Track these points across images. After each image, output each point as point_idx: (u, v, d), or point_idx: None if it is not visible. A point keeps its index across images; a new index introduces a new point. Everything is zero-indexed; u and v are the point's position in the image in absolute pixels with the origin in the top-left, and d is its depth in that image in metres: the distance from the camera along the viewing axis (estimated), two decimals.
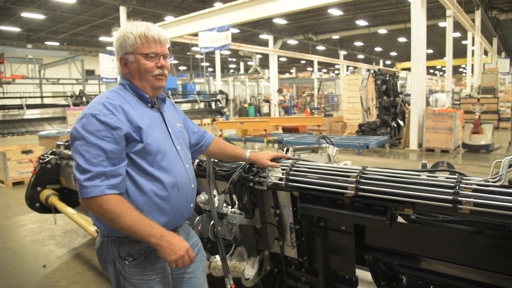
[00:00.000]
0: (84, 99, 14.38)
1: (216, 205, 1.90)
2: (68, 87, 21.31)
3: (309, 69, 33.35)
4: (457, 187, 1.36)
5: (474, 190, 1.35)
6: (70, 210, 3.52)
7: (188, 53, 27.99)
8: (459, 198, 1.34)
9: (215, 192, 1.94)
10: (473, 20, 16.85)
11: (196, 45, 15.19)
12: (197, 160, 2.24)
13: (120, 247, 1.43)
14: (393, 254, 1.87)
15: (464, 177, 1.42)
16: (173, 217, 1.48)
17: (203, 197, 1.95)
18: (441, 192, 1.38)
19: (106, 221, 1.32)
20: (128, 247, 1.43)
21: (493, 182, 1.37)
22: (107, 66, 17.35)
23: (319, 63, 30.04)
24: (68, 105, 14.03)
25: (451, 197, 1.35)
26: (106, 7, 18.91)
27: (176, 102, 17.97)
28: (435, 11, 17.69)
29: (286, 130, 12.23)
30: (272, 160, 1.88)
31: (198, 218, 1.97)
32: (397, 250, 1.86)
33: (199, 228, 1.91)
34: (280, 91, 23.49)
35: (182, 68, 37.25)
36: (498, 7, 19.82)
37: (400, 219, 1.76)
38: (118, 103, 1.39)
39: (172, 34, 15.20)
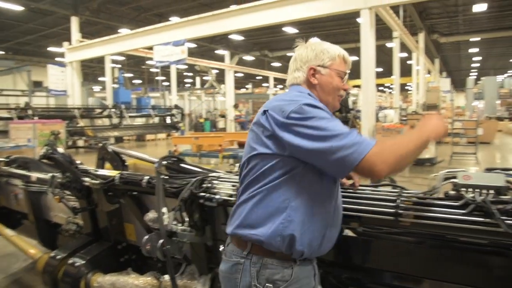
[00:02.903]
0: (30, 112, 13.60)
1: (166, 223, 1.85)
2: (12, 99, 20.09)
3: (265, 84, 33.89)
4: (398, 201, 1.43)
5: (414, 203, 1.43)
6: (8, 232, 3.28)
7: (143, 67, 27.50)
8: (399, 211, 1.40)
9: (165, 209, 1.89)
10: (417, 42, 17.97)
11: (152, 59, 14.97)
12: (146, 177, 2.19)
13: (262, 270, 1.31)
14: (343, 267, 1.91)
15: (404, 191, 1.50)
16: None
17: (151, 215, 1.90)
18: (384, 205, 1.44)
19: (396, 163, 1.21)
20: (271, 271, 1.31)
21: (430, 195, 1.45)
22: (56, 77, 16.59)
23: (275, 79, 30.61)
24: (11, 118, 13.20)
25: (393, 210, 1.41)
26: (56, 16, 18.19)
27: (130, 117, 17.53)
28: (383, 32, 18.65)
29: (242, 145, 12.26)
30: None
31: (146, 236, 1.92)
32: (347, 263, 1.90)
33: (147, 247, 1.85)
34: (236, 106, 23.59)
35: (136, 81, 36.48)
36: (439, 31, 21.32)
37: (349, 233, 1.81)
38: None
39: (127, 47, 14.89)
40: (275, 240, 1.28)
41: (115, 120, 16.70)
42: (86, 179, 2.55)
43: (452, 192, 1.40)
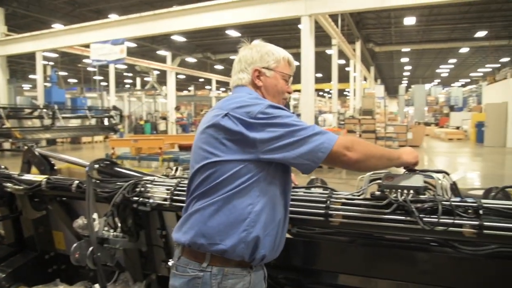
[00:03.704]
0: None
1: (96, 229, 1.77)
2: None
3: (208, 87, 33.68)
4: (328, 202, 1.49)
5: (343, 204, 1.49)
6: None
7: (80, 65, 26.08)
8: (329, 212, 1.46)
9: (95, 215, 1.81)
10: (354, 50, 18.91)
11: (88, 57, 14.25)
12: (76, 181, 2.08)
13: (223, 281, 1.24)
14: (279, 268, 1.95)
15: (334, 192, 1.56)
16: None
17: (80, 221, 1.80)
18: (315, 206, 1.49)
19: (366, 156, 1.30)
20: (233, 281, 1.25)
21: (358, 196, 1.52)
22: None
23: (218, 81, 30.57)
24: None
25: (323, 211, 1.47)
26: None
27: (64, 118, 16.51)
28: (323, 39, 19.38)
29: (183, 148, 12.01)
30: None
31: (75, 244, 1.82)
32: (283, 264, 1.94)
33: (76, 255, 1.76)
34: (177, 108, 23.18)
35: (72, 81, 34.49)
36: (374, 41, 22.64)
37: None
38: None
39: (60, 43, 14.04)
40: (239, 248, 1.24)
41: (47, 121, 15.65)
42: (8, 184, 2.36)
43: (377, 193, 1.48)
